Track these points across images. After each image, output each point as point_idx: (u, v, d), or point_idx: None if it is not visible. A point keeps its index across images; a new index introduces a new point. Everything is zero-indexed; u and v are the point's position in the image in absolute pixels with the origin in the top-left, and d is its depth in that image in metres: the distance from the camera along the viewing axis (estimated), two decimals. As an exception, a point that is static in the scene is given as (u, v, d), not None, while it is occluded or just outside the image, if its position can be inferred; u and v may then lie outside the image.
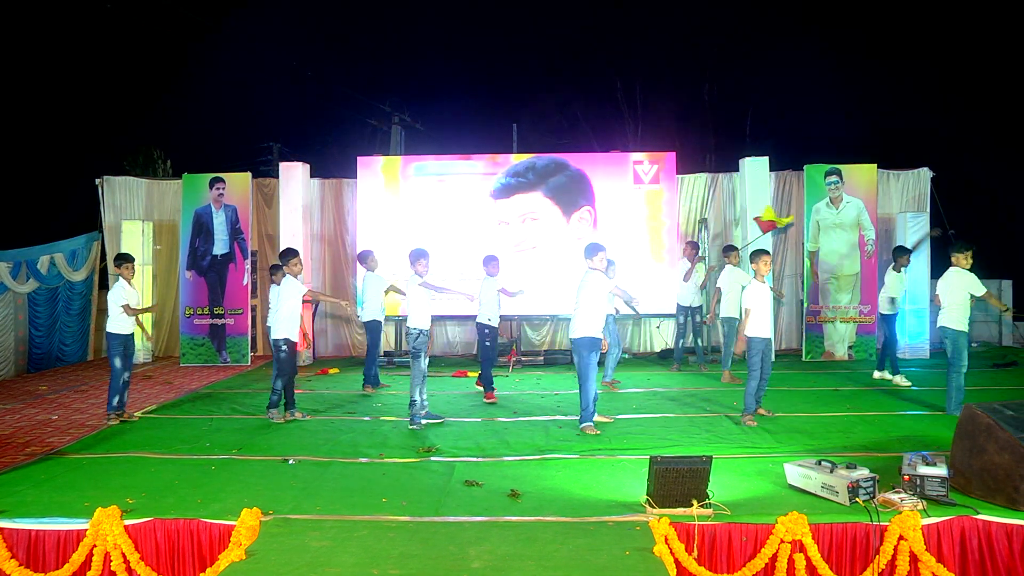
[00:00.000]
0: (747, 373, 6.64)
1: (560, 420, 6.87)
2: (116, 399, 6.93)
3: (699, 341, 9.87)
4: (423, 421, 6.74)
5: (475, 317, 8.25)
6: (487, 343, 8.09)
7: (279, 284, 7.52)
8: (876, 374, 8.92)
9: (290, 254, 7.05)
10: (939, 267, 11.40)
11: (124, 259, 7.15)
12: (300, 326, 7.24)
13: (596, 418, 6.52)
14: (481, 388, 8.11)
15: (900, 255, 8.69)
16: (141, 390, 8.74)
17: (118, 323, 6.96)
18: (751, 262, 6.81)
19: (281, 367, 7.01)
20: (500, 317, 8.24)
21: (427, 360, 6.91)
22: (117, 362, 6.90)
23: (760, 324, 6.57)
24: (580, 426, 6.43)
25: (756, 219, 10.38)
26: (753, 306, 6.57)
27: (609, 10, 20.25)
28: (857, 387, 8.45)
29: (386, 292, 8.72)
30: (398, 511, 4.42)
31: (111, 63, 16.96)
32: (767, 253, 6.80)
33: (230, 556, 3.94)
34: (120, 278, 7.05)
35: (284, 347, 6.99)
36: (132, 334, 7.12)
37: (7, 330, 10.02)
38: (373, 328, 8.67)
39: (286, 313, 7.01)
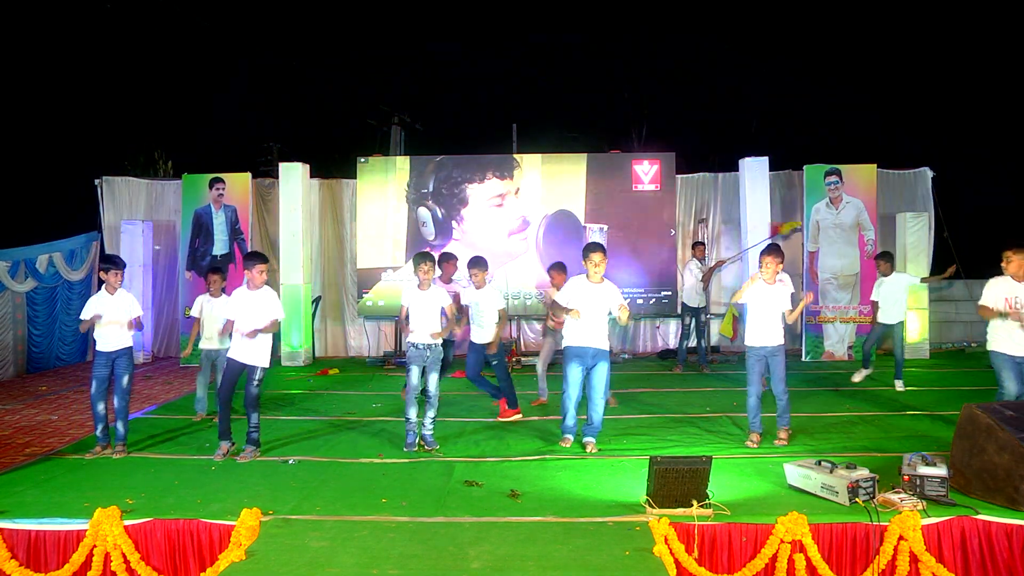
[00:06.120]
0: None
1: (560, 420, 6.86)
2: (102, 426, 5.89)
3: (702, 342, 9.87)
4: (416, 447, 5.86)
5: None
6: (494, 363, 6.92)
7: (256, 288, 5.77)
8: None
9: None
10: (939, 269, 11.41)
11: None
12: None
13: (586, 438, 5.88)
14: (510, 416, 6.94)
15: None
16: (141, 390, 8.73)
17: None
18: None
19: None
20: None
21: (431, 379, 5.88)
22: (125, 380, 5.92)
23: (754, 331, 5.96)
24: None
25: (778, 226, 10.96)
26: (747, 307, 6.01)
27: (611, 11, 20.23)
28: (857, 387, 8.44)
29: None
30: (398, 511, 4.42)
31: (111, 63, 16.94)
32: (767, 254, 5.93)
33: (230, 556, 3.94)
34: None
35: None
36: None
37: (6, 329, 10.01)
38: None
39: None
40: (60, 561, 4.20)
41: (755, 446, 5.86)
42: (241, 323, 5.65)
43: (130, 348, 5.97)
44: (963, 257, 11.66)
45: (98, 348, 5.87)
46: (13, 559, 4.21)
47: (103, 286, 5.97)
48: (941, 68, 17.89)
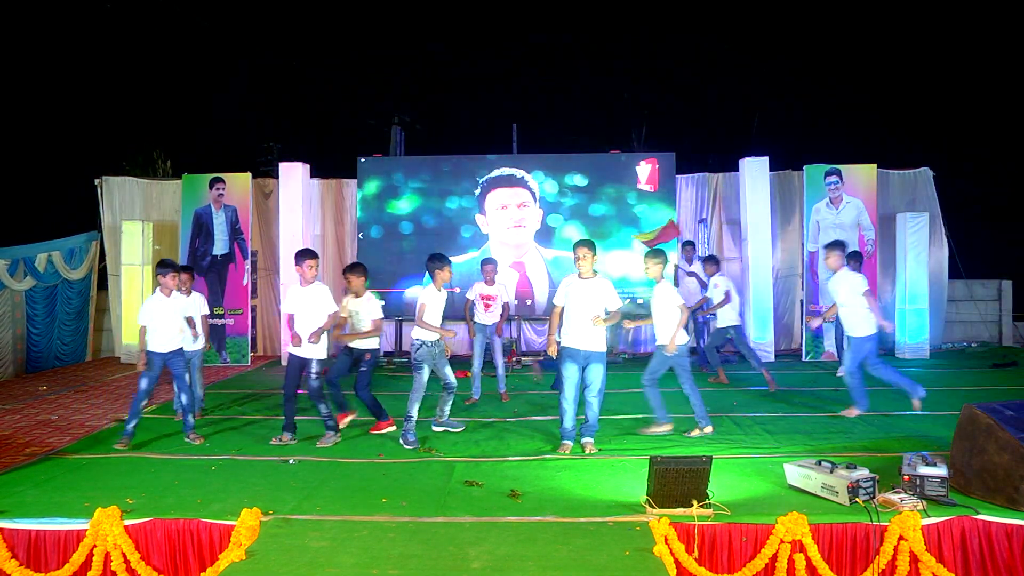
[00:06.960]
0: None
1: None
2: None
3: (701, 342, 9.86)
4: (438, 428, 6.38)
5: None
6: (362, 368, 6.63)
7: (308, 284, 6.30)
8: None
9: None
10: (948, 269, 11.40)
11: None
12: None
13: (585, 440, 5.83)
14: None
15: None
16: (141, 390, 8.72)
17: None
18: None
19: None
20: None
21: (446, 371, 6.28)
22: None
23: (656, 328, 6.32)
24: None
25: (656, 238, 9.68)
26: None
27: (611, 11, 20.21)
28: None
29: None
30: (398, 511, 4.41)
31: (110, 63, 16.93)
32: (650, 255, 6.16)
33: (230, 556, 3.94)
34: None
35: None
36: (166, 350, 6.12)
37: (5, 328, 10.01)
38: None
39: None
40: (60, 561, 4.20)
41: (647, 431, 6.28)
42: (300, 320, 6.08)
43: (182, 349, 6.23)
44: (963, 256, 11.68)
45: (150, 349, 6.07)
46: (13, 559, 4.21)
47: (158, 289, 6.17)
48: (940, 69, 17.89)
